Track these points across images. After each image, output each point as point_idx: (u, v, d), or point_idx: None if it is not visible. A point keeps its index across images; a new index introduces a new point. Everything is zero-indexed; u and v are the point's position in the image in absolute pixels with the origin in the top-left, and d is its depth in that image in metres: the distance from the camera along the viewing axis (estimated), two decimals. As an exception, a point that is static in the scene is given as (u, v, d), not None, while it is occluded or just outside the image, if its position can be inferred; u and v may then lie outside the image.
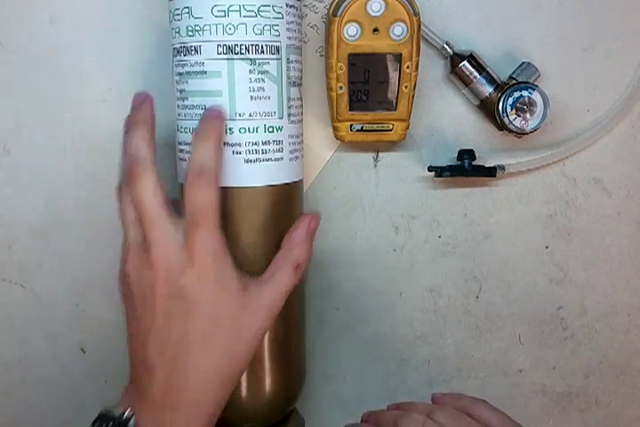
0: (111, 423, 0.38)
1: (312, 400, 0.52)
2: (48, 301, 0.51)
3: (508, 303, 0.53)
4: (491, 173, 0.48)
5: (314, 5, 0.46)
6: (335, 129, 0.47)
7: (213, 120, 0.38)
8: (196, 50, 0.39)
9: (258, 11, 0.38)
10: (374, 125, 0.46)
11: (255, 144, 0.39)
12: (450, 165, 0.48)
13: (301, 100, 0.43)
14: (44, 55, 0.47)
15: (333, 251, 0.50)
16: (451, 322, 0.52)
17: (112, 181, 0.49)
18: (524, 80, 0.46)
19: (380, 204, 0.50)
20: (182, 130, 0.41)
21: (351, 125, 0.46)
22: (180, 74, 0.40)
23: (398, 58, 0.44)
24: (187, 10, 0.39)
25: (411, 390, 0.53)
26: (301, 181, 0.44)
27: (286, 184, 0.41)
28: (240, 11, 0.38)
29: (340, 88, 0.45)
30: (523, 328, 0.53)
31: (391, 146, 0.49)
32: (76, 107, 0.48)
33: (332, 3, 0.45)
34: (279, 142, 0.40)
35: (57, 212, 0.49)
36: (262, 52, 0.39)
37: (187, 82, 0.40)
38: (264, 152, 0.40)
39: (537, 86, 0.45)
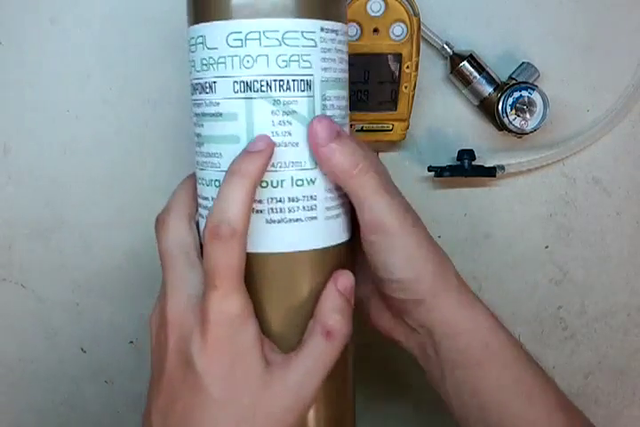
0: None
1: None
2: (48, 301, 0.51)
3: (507, 303, 0.53)
4: (491, 173, 0.48)
5: (314, 5, 0.46)
6: (335, 129, 0.47)
7: (251, 156, 0.31)
8: (210, 87, 0.33)
9: (282, 38, 0.31)
10: (374, 125, 0.46)
11: (280, 201, 0.32)
12: (450, 165, 0.48)
13: None
14: (44, 55, 0.47)
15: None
16: (451, 322, 0.52)
17: (112, 181, 0.49)
18: (524, 80, 0.46)
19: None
20: (200, 181, 0.35)
21: (351, 125, 0.46)
22: (197, 115, 0.34)
23: (398, 58, 0.44)
24: (201, 39, 0.33)
25: (412, 390, 0.53)
26: (346, 242, 0.35)
27: (322, 249, 0.34)
28: (260, 39, 0.31)
29: (340, 88, 0.45)
30: (523, 328, 0.53)
31: (391, 146, 0.49)
32: (76, 107, 0.48)
33: (332, 3, 0.45)
34: (311, 198, 0.33)
35: (57, 212, 0.49)
36: (288, 88, 0.32)
37: (202, 125, 0.34)
38: (291, 211, 0.33)
39: (537, 86, 0.45)
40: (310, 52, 0.32)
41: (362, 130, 0.46)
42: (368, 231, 0.34)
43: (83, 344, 0.52)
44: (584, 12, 0.48)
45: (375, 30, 0.44)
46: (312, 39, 0.32)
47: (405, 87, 0.45)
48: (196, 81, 0.34)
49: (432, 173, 0.48)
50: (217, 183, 0.33)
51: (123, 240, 0.50)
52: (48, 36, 0.47)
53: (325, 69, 0.33)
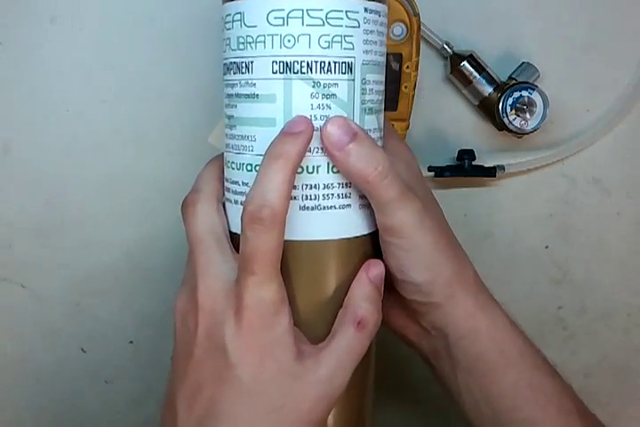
0: None
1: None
2: (48, 301, 0.51)
3: (507, 303, 0.53)
4: (491, 173, 0.48)
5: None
6: (335, 129, 0.47)
7: (290, 138, 0.30)
8: (246, 67, 0.31)
9: (326, 18, 0.30)
10: (374, 125, 0.46)
11: (315, 187, 0.32)
12: (450, 165, 0.48)
13: (381, 130, 0.34)
14: (44, 55, 0.47)
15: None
16: (451, 322, 0.52)
17: (112, 181, 0.49)
18: (524, 80, 0.46)
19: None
20: (229, 164, 0.34)
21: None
22: (229, 96, 0.33)
23: (398, 58, 0.44)
24: (239, 16, 0.31)
25: (412, 389, 0.53)
26: (375, 232, 0.34)
27: (355, 238, 0.33)
28: (303, 18, 0.30)
29: (340, 88, 0.45)
30: (523, 328, 0.53)
31: (391, 146, 0.49)
32: (76, 107, 0.48)
33: (332, 3, 0.44)
34: (346, 185, 0.32)
35: (57, 212, 0.49)
36: (329, 70, 0.31)
37: (235, 106, 0.32)
38: (326, 197, 0.32)
39: (537, 86, 0.45)
40: (353, 34, 0.31)
41: (362, 130, 0.46)
42: (384, 233, 0.33)
43: (83, 344, 0.52)
44: (584, 11, 0.48)
45: (375, 30, 0.44)
46: (355, 19, 0.31)
47: (405, 87, 0.45)
48: (231, 60, 0.32)
49: (432, 173, 0.48)
50: (249, 167, 0.32)
51: (122, 240, 0.50)
52: (48, 36, 0.47)
53: (367, 52, 0.32)
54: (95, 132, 0.48)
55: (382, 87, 0.34)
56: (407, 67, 0.44)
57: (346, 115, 0.32)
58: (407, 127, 0.46)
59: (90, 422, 0.53)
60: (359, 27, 0.31)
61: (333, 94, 0.31)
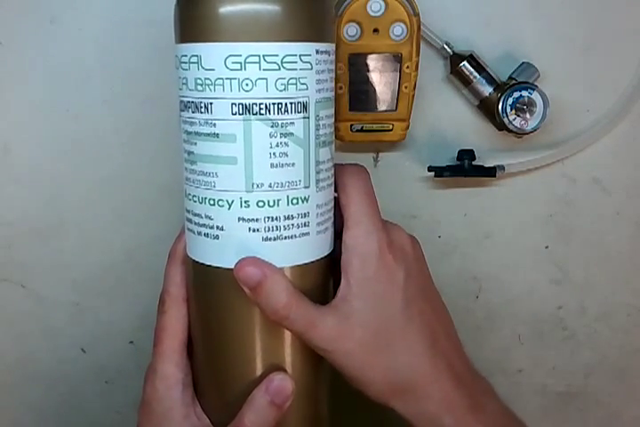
0: None
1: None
2: (48, 301, 0.51)
3: (507, 303, 0.53)
4: (490, 173, 0.48)
5: (314, 5, 0.46)
6: (335, 129, 0.47)
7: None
8: (206, 107, 0.33)
9: (281, 62, 0.32)
10: (374, 125, 0.46)
11: (276, 219, 0.34)
12: (450, 165, 0.48)
13: (333, 159, 0.36)
14: (44, 55, 0.47)
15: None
16: (451, 322, 0.52)
17: (112, 181, 0.49)
18: (524, 80, 0.46)
19: (381, 204, 0.50)
20: (190, 197, 0.35)
21: (351, 125, 0.46)
22: (188, 133, 0.34)
23: (398, 58, 0.44)
24: (195, 59, 0.33)
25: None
26: (331, 252, 0.37)
27: (313, 262, 0.35)
28: (260, 63, 0.32)
29: (340, 88, 0.45)
30: (523, 328, 0.53)
31: (391, 146, 0.49)
32: (76, 107, 0.48)
33: (332, 3, 0.45)
34: (305, 215, 0.34)
35: (57, 212, 0.49)
36: (286, 111, 0.33)
37: (195, 144, 0.34)
38: (287, 228, 0.34)
39: (537, 86, 0.45)
40: (307, 75, 0.33)
41: (362, 130, 0.46)
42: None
43: (83, 344, 0.52)
44: (584, 12, 0.48)
45: (375, 30, 0.44)
46: (308, 62, 0.33)
47: (405, 87, 0.45)
48: (189, 99, 0.34)
49: (432, 173, 0.48)
50: (211, 202, 0.34)
51: (122, 240, 0.50)
52: (48, 36, 0.47)
53: (319, 91, 0.34)
54: (95, 132, 0.48)
55: (333, 120, 0.36)
56: (407, 67, 0.44)
57: (303, 151, 0.33)
58: (407, 127, 0.46)
59: (90, 422, 0.53)
60: (312, 69, 0.33)
61: (291, 133, 0.33)
